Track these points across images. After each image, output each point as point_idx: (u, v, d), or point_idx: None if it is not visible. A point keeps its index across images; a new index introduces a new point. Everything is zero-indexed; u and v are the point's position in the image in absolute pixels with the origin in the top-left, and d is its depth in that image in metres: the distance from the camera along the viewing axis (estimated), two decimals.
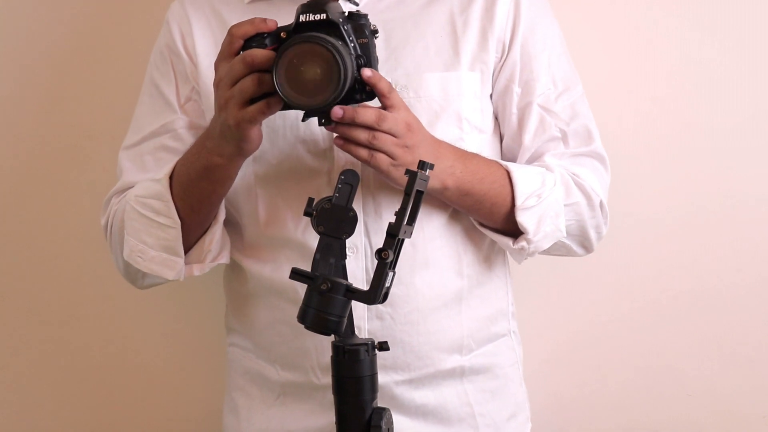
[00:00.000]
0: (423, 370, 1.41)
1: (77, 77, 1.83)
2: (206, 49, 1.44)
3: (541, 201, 1.37)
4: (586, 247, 1.48)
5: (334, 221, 1.15)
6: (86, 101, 1.83)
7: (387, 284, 1.13)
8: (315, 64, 1.17)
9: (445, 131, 1.37)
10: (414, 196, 1.12)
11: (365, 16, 1.24)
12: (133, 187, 1.45)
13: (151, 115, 1.48)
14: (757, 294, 1.77)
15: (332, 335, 1.14)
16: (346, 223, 1.15)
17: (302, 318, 1.12)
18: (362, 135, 1.25)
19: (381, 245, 1.11)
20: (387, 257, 1.12)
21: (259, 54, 1.21)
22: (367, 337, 1.36)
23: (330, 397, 1.16)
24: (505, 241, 1.40)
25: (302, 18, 1.21)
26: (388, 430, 1.15)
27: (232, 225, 1.48)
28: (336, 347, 1.15)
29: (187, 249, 1.42)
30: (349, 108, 1.23)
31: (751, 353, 1.78)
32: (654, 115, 1.76)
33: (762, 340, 1.78)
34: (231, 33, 1.25)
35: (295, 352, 1.42)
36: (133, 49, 1.76)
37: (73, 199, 1.84)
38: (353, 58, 1.21)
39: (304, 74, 1.17)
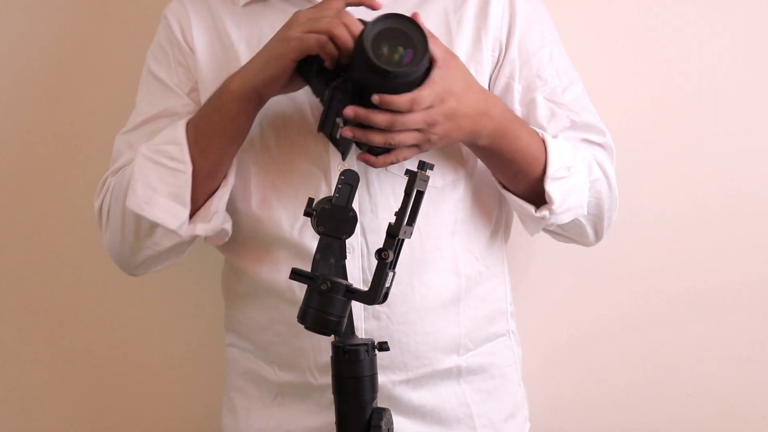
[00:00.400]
0: (420, 370, 1.41)
1: (77, 77, 1.83)
2: (204, 46, 1.44)
3: (570, 174, 1.37)
4: (598, 231, 1.48)
5: (334, 221, 1.15)
6: (86, 101, 1.83)
7: (387, 284, 1.13)
8: (404, 46, 1.22)
9: None
10: (414, 196, 1.12)
11: None
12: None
13: (149, 102, 1.47)
14: (757, 294, 1.77)
15: (332, 335, 1.14)
16: (346, 223, 1.15)
17: (302, 318, 1.12)
18: (378, 138, 1.27)
19: (377, 244, 1.12)
20: (387, 257, 1.12)
21: (353, 23, 1.26)
22: (364, 336, 1.36)
23: (328, 397, 1.16)
24: (528, 207, 1.39)
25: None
26: (388, 430, 1.15)
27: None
28: (336, 347, 1.15)
29: (196, 208, 1.38)
30: (394, 102, 1.24)
31: (751, 353, 1.78)
32: (653, 114, 1.76)
33: (762, 340, 1.78)
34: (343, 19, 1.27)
35: (292, 353, 1.42)
36: (133, 48, 1.75)
37: (72, 199, 1.84)
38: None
39: (389, 50, 1.22)
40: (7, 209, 1.87)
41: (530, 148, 1.36)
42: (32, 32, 1.83)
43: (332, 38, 1.25)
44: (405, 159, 1.29)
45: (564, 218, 1.39)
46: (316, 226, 1.16)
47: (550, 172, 1.36)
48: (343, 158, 1.34)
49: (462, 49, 1.40)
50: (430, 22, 1.39)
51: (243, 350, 1.51)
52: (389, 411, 1.15)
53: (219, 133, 1.35)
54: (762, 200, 1.76)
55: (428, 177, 1.15)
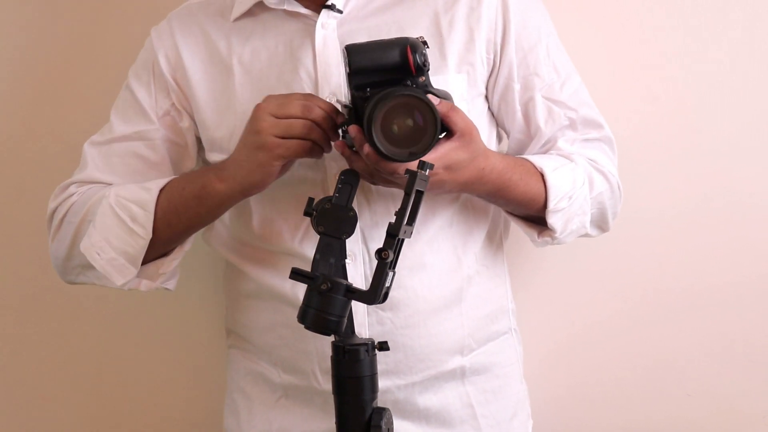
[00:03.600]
0: (425, 373, 1.41)
1: (76, 77, 1.83)
2: (196, 66, 1.44)
3: (572, 202, 1.39)
4: (603, 228, 1.51)
5: (334, 221, 1.15)
6: (86, 101, 1.83)
7: (387, 284, 1.13)
8: (409, 116, 1.18)
9: None
10: (414, 196, 1.12)
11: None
12: (95, 182, 1.45)
13: (123, 120, 1.48)
14: (757, 294, 1.77)
15: (332, 335, 1.14)
16: (346, 223, 1.15)
17: (302, 318, 1.12)
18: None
19: (382, 245, 1.11)
20: (387, 257, 1.11)
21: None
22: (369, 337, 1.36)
23: (332, 402, 1.16)
24: (531, 233, 1.43)
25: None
26: (388, 430, 1.15)
27: (227, 232, 1.48)
28: (336, 347, 1.14)
29: (144, 263, 1.41)
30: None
31: (751, 353, 1.78)
32: (653, 115, 1.75)
33: (762, 340, 1.78)
34: (311, 103, 1.27)
35: (296, 355, 1.42)
36: (131, 49, 1.75)
37: None
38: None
39: (399, 126, 1.18)
40: (7, 209, 1.87)
41: (529, 193, 1.37)
42: (31, 34, 1.83)
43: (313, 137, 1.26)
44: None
45: (567, 240, 1.43)
46: (316, 226, 1.16)
47: (551, 206, 1.38)
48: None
49: (454, 52, 1.39)
50: (419, 24, 1.39)
51: (245, 352, 1.51)
52: (389, 411, 1.15)
53: (193, 218, 1.38)
54: (762, 200, 1.76)
55: (428, 177, 1.15)
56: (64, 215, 1.44)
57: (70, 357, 1.89)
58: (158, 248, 1.41)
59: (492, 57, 1.41)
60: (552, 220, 1.38)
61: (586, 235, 1.48)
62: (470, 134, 1.26)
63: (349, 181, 1.17)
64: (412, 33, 1.37)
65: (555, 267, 1.76)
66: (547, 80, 1.43)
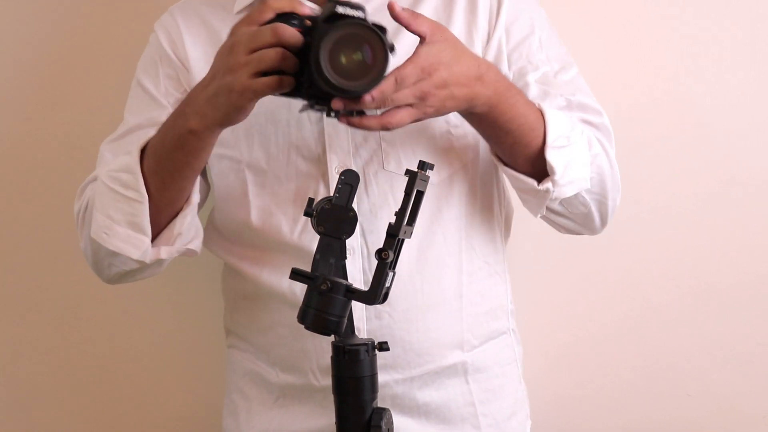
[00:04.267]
0: (424, 367, 1.41)
1: (76, 77, 1.83)
2: (198, 56, 1.44)
3: (570, 143, 1.33)
4: (603, 214, 1.42)
5: (334, 221, 1.15)
6: (85, 102, 1.83)
7: (387, 284, 1.13)
8: (359, 48, 1.15)
9: (432, 125, 1.38)
10: (414, 196, 1.12)
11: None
12: None
13: (137, 113, 1.46)
14: (757, 294, 1.77)
15: (332, 335, 1.14)
16: (346, 223, 1.15)
17: (302, 318, 1.12)
18: (373, 123, 1.21)
19: (377, 245, 1.11)
20: (387, 257, 1.11)
21: (290, 31, 1.18)
22: (366, 336, 1.36)
23: (330, 398, 1.16)
24: (529, 181, 1.34)
25: (340, 9, 1.17)
26: (388, 430, 1.15)
27: (224, 230, 1.48)
28: (336, 347, 1.14)
29: (159, 231, 1.37)
30: (377, 92, 1.18)
31: (751, 353, 1.78)
32: (654, 112, 1.76)
33: (762, 340, 1.78)
34: (266, 3, 1.21)
35: (295, 354, 1.42)
36: (132, 49, 1.75)
37: (72, 199, 1.83)
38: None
39: (348, 58, 1.15)
40: (7, 209, 1.87)
41: (528, 117, 1.32)
42: (31, 34, 1.83)
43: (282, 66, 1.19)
44: (400, 125, 1.23)
45: (567, 191, 1.34)
46: (316, 226, 1.16)
47: (549, 140, 1.31)
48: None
49: None
50: None
51: (244, 352, 1.51)
52: (389, 411, 1.15)
53: (182, 168, 1.32)
54: (761, 201, 1.76)
55: (428, 177, 1.14)
56: (84, 214, 1.43)
57: (70, 357, 1.89)
58: (165, 209, 1.36)
59: (486, 48, 1.42)
60: (551, 156, 1.31)
61: (588, 217, 1.41)
62: (440, 28, 1.24)
63: (349, 181, 1.16)
64: None
65: (554, 268, 1.77)
66: (541, 69, 1.41)
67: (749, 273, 1.77)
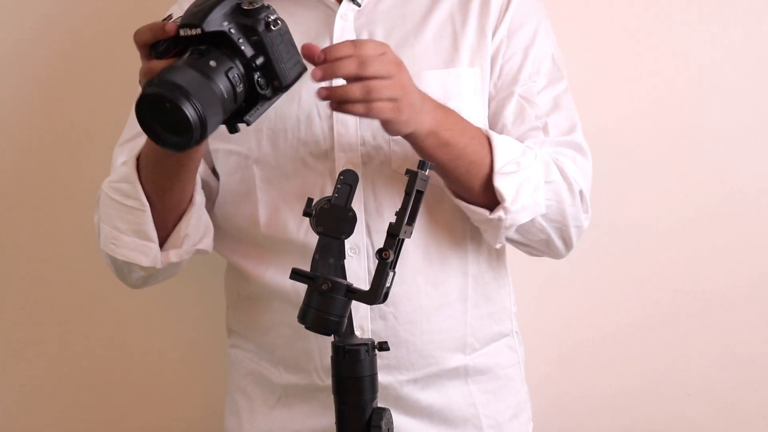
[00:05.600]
0: (427, 369, 1.41)
1: (77, 77, 1.83)
2: None
3: (521, 169, 1.31)
4: (566, 240, 1.41)
5: (333, 221, 1.15)
6: (85, 101, 1.83)
7: (387, 284, 1.13)
8: (172, 106, 1.10)
9: None
10: (414, 195, 1.12)
11: (259, 8, 1.17)
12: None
13: None
14: (757, 294, 1.77)
15: (332, 335, 1.14)
16: (346, 223, 1.15)
17: (302, 318, 1.12)
18: (355, 91, 1.18)
19: (383, 245, 1.11)
20: (387, 257, 1.11)
21: (147, 69, 1.19)
22: (370, 337, 1.35)
23: (332, 397, 1.16)
24: (481, 211, 1.33)
25: (182, 33, 1.16)
26: (388, 430, 1.15)
27: (229, 228, 1.48)
28: (336, 347, 1.14)
29: (166, 235, 1.38)
30: (327, 66, 1.16)
31: (751, 353, 1.78)
32: (652, 116, 1.76)
33: (762, 340, 1.78)
34: (134, 40, 1.21)
35: (298, 354, 1.42)
36: (133, 48, 1.75)
37: (73, 199, 1.84)
38: (238, 66, 1.15)
39: (168, 113, 1.10)
40: (7, 209, 1.87)
41: (475, 148, 1.30)
42: (32, 34, 1.83)
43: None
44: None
45: (521, 217, 1.32)
46: (315, 226, 1.16)
47: (497, 167, 1.30)
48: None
49: (467, 46, 1.40)
50: (436, 22, 1.41)
51: (246, 351, 1.51)
52: (389, 411, 1.15)
53: (176, 172, 1.32)
54: (761, 201, 1.76)
55: (428, 177, 1.14)
56: (99, 225, 1.44)
57: (71, 357, 1.89)
58: (168, 214, 1.37)
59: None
60: (500, 183, 1.29)
61: (550, 243, 1.40)
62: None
63: (348, 181, 1.16)
64: (427, 28, 1.40)
65: (556, 270, 1.76)
66: (528, 82, 1.41)
67: (749, 274, 1.77)
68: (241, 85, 1.15)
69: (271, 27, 1.17)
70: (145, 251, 1.36)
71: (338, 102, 1.20)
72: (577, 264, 1.75)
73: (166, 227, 1.37)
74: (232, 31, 1.15)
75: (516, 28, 1.43)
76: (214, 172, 1.47)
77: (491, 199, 1.33)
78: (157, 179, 1.33)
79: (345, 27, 1.39)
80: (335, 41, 1.37)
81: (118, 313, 1.87)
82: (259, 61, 1.16)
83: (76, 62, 1.83)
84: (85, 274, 1.86)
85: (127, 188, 1.35)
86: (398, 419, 1.31)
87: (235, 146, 1.42)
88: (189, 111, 1.08)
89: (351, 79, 1.19)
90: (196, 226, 1.39)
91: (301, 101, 1.38)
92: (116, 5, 1.82)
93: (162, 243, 1.37)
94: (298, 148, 1.39)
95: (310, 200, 1.18)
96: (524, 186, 1.32)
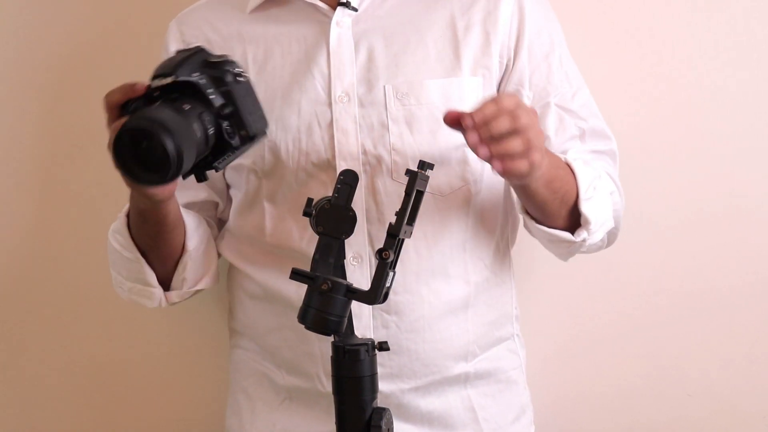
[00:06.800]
0: (429, 377, 1.41)
1: (78, 78, 1.83)
2: None
3: (596, 192, 1.37)
4: (611, 241, 1.47)
5: (333, 221, 1.15)
6: (86, 102, 1.83)
7: (387, 284, 1.13)
8: (151, 141, 1.10)
9: (447, 138, 1.35)
10: (414, 195, 1.12)
11: (226, 62, 1.21)
12: None
13: None
14: (757, 294, 1.77)
15: (332, 335, 1.14)
16: (346, 223, 1.15)
17: (302, 318, 1.12)
18: (517, 146, 1.17)
19: (383, 245, 1.11)
20: (387, 257, 1.12)
21: (118, 126, 1.17)
22: (370, 337, 1.35)
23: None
24: (565, 235, 1.37)
25: (153, 84, 1.18)
26: (388, 430, 1.15)
27: (235, 233, 1.48)
28: (336, 347, 1.14)
29: (168, 277, 1.46)
30: (483, 130, 1.16)
31: (751, 353, 1.78)
32: (655, 118, 1.75)
33: (762, 340, 1.78)
34: (105, 101, 1.23)
35: (300, 358, 1.42)
36: (134, 49, 1.75)
37: (73, 200, 1.84)
38: (207, 114, 1.17)
39: (146, 149, 1.11)
40: (7, 209, 1.86)
41: (567, 179, 1.33)
42: (33, 35, 1.82)
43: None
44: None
45: (598, 236, 1.38)
46: (315, 226, 1.16)
47: (582, 194, 1.34)
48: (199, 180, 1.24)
49: (469, 55, 1.38)
50: (434, 25, 1.39)
51: (250, 352, 1.51)
52: (389, 411, 1.15)
53: (158, 231, 1.39)
54: (761, 202, 1.76)
55: (428, 177, 1.14)
56: None
57: (72, 357, 1.88)
58: (164, 261, 1.44)
59: (505, 61, 1.40)
60: (586, 208, 1.34)
61: (601, 246, 1.45)
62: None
63: (348, 181, 1.16)
64: (427, 34, 1.38)
65: (557, 271, 1.76)
66: (560, 89, 1.42)
67: (749, 274, 1.77)
68: (212, 129, 1.18)
69: (238, 79, 1.21)
70: (148, 296, 1.46)
71: (501, 159, 1.18)
72: (580, 265, 1.74)
73: (166, 270, 1.45)
74: (203, 81, 1.18)
75: (534, 37, 1.41)
76: (218, 193, 1.51)
77: (571, 222, 1.37)
78: (142, 236, 1.40)
79: (341, 34, 1.38)
80: (331, 48, 1.37)
81: (120, 313, 1.86)
82: (228, 110, 1.19)
83: (76, 62, 1.83)
84: (85, 274, 1.85)
85: (122, 240, 1.42)
86: (399, 426, 1.31)
87: (241, 159, 1.41)
88: (169, 145, 1.09)
89: (503, 136, 1.17)
90: (193, 270, 1.46)
91: (301, 112, 1.38)
92: (117, 7, 1.81)
93: (167, 282, 1.46)
94: (300, 158, 1.39)
95: (310, 200, 1.18)
96: (600, 207, 1.37)
